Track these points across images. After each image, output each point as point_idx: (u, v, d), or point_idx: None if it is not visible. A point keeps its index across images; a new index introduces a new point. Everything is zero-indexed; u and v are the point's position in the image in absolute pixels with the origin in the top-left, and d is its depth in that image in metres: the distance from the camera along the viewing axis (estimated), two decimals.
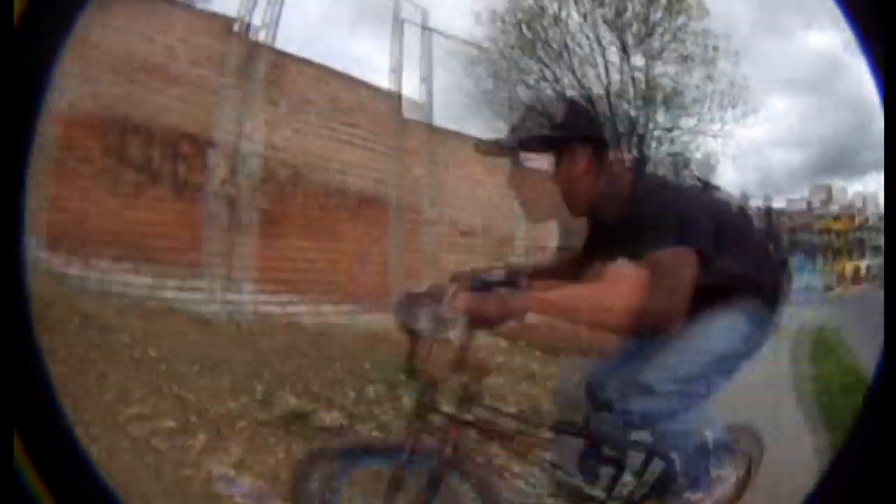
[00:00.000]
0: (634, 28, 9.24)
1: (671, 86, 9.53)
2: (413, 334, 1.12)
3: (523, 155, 1.37)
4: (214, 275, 4.02)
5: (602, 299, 1.24)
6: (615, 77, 9.12)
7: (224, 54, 4.23)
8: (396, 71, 4.91)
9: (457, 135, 5.47)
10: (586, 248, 1.58)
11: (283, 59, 4.38)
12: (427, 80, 5.20)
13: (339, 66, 4.65)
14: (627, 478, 1.43)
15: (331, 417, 2.79)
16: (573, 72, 9.00)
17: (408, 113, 4.99)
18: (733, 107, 10.10)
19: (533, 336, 3.69)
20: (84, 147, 3.76)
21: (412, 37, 5.20)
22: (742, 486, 1.64)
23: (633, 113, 9.23)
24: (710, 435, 1.43)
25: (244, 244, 4.16)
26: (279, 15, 4.42)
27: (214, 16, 4.36)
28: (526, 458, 1.38)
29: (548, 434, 1.44)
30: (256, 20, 4.33)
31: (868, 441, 0.93)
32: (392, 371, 3.15)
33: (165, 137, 3.99)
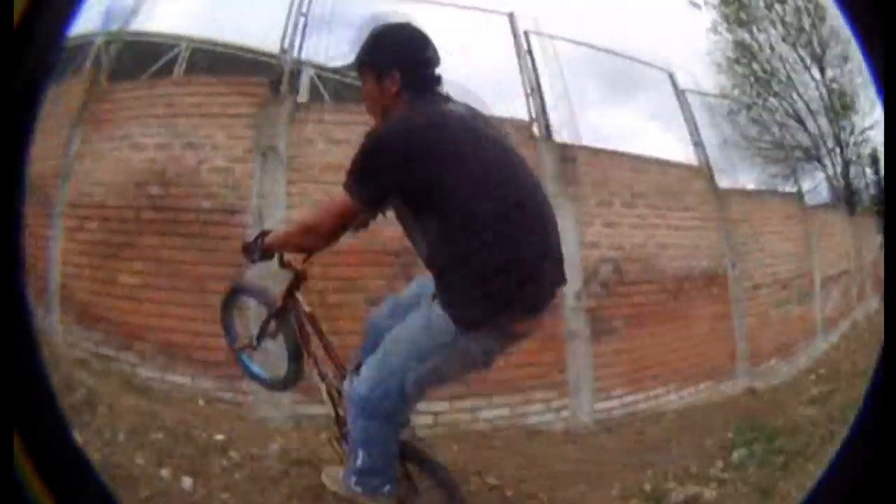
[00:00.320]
0: (815, 42, 9.16)
1: (848, 88, 9.41)
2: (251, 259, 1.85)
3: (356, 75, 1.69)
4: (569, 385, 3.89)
5: (295, 228, 1.75)
6: (813, 94, 9.02)
7: (535, 160, 4.06)
8: (684, 140, 4.71)
9: (743, 192, 5.38)
10: None
11: (576, 152, 4.21)
12: (699, 143, 4.96)
13: (613, 145, 4.43)
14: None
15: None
16: (781, 98, 8.91)
17: (696, 180, 4.83)
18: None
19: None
20: None
21: (667, 101, 4.96)
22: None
23: (831, 123, 9.15)
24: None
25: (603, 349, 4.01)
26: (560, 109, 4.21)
27: (502, 122, 4.13)
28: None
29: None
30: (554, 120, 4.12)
31: (867, 441, 0.93)
32: (748, 432, 3.39)
33: None
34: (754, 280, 5.10)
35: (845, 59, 9.98)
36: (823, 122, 8.95)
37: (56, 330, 3.52)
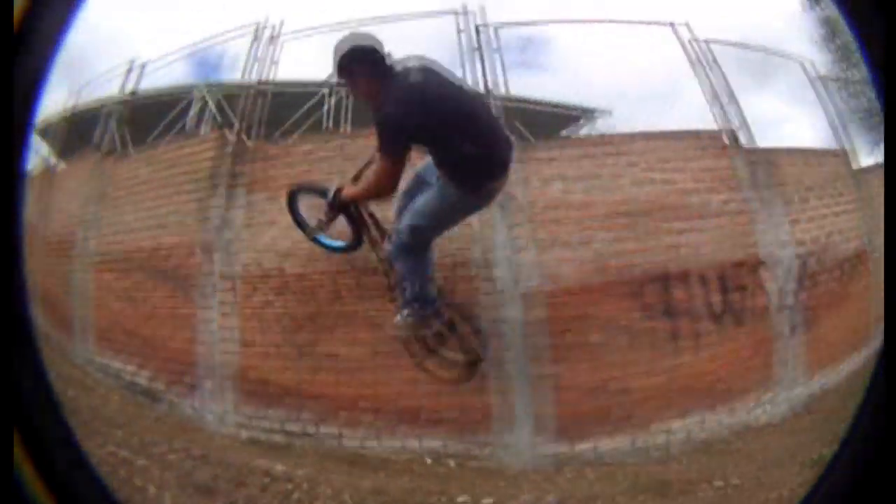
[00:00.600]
0: None
1: None
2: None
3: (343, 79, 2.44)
4: None
5: (365, 187, 2.51)
6: None
7: (732, 169, 4.01)
8: (822, 126, 4.73)
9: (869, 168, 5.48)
10: None
11: (758, 155, 4.16)
12: (834, 126, 5.01)
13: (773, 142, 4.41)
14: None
15: None
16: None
17: (841, 164, 4.89)
18: None
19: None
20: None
21: (802, 89, 4.98)
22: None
23: None
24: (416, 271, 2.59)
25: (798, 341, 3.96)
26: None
27: (698, 134, 4.09)
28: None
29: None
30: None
31: (867, 441, 0.93)
32: None
33: (706, 272, 3.68)
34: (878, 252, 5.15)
35: None
36: None
37: (224, 414, 3.33)
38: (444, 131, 2.27)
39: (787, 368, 3.86)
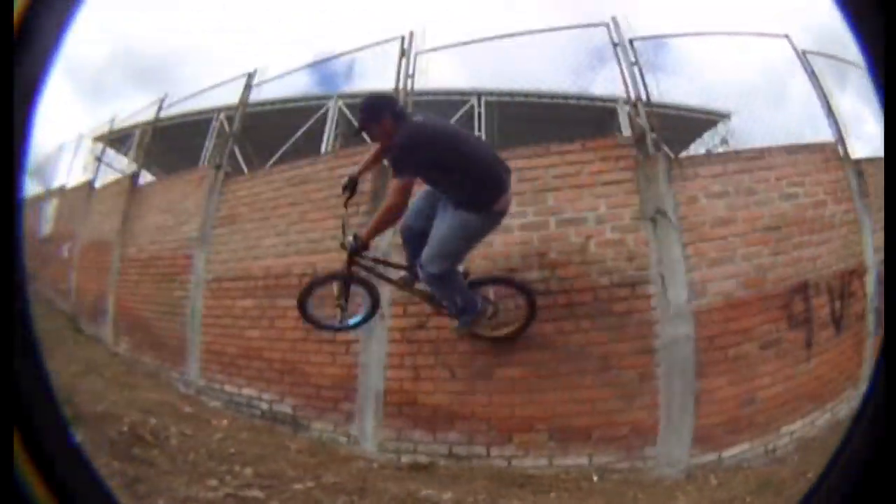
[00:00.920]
0: None
1: None
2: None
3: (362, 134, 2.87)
4: None
5: (379, 213, 2.72)
6: None
7: (847, 180, 4.05)
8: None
9: None
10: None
11: (862, 165, 4.20)
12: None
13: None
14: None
15: None
16: None
17: None
18: None
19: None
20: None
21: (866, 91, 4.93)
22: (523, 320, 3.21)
23: None
24: (455, 286, 2.90)
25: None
26: None
27: (822, 147, 4.08)
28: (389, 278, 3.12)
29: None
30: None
31: (868, 441, 0.93)
32: None
33: (832, 281, 3.84)
34: None
35: None
36: None
37: (385, 441, 3.44)
38: (448, 155, 2.68)
39: (869, 366, 3.93)
